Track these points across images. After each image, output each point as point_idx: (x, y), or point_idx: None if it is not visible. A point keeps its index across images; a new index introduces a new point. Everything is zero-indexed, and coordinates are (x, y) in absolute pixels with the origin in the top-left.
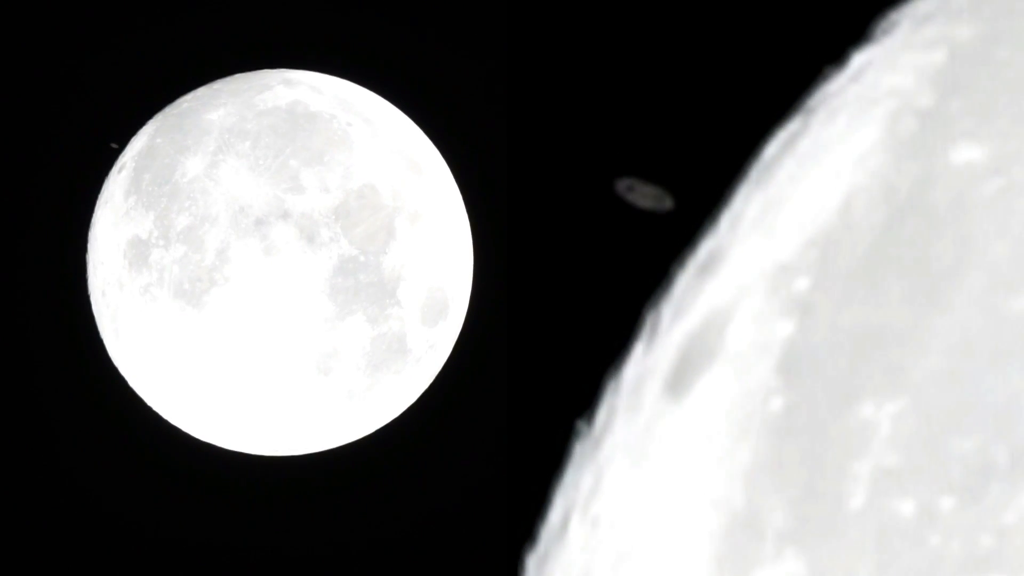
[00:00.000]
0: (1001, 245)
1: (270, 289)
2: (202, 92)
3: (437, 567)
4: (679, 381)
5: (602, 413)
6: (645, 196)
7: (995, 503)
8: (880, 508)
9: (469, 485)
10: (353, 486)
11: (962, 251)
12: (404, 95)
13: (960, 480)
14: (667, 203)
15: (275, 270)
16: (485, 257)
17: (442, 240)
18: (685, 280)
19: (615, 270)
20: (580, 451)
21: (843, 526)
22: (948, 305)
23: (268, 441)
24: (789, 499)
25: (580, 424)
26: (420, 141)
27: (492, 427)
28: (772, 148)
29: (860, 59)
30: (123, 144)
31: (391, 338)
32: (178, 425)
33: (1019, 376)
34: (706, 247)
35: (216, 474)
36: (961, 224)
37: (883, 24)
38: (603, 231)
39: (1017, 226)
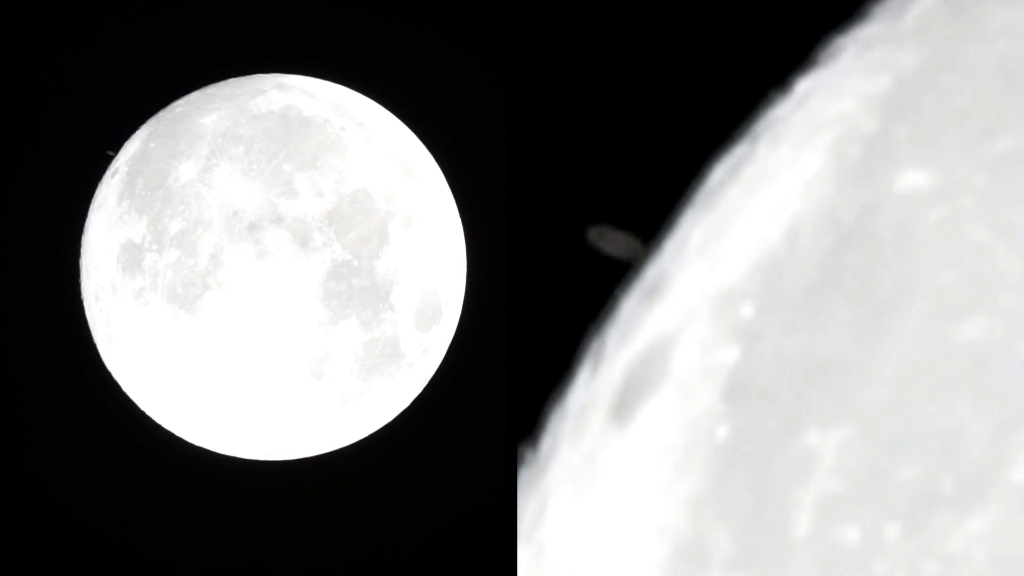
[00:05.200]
0: (946, 272)
1: (263, 293)
2: (195, 96)
3: (431, 571)
4: (624, 407)
5: (547, 439)
6: (617, 244)
7: (940, 531)
8: (825, 535)
9: (463, 489)
10: (346, 490)
11: (907, 278)
12: (397, 99)
13: (905, 508)
14: (640, 251)
15: (268, 274)
16: (479, 261)
17: (436, 244)
18: (630, 305)
19: (615, 273)
20: (525, 477)
21: (788, 553)
22: (893, 332)
23: (262, 445)
24: (734, 526)
25: (525, 450)
26: (413, 145)
27: (487, 431)
28: (717, 173)
29: (805, 84)
30: (118, 150)
31: (384, 342)
32: (171, 430)
33: (964, 404)
34: (651, 272)
35: (210, 478)
36: (906, 251)
37: (828, 49)
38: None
39: (962, 253)
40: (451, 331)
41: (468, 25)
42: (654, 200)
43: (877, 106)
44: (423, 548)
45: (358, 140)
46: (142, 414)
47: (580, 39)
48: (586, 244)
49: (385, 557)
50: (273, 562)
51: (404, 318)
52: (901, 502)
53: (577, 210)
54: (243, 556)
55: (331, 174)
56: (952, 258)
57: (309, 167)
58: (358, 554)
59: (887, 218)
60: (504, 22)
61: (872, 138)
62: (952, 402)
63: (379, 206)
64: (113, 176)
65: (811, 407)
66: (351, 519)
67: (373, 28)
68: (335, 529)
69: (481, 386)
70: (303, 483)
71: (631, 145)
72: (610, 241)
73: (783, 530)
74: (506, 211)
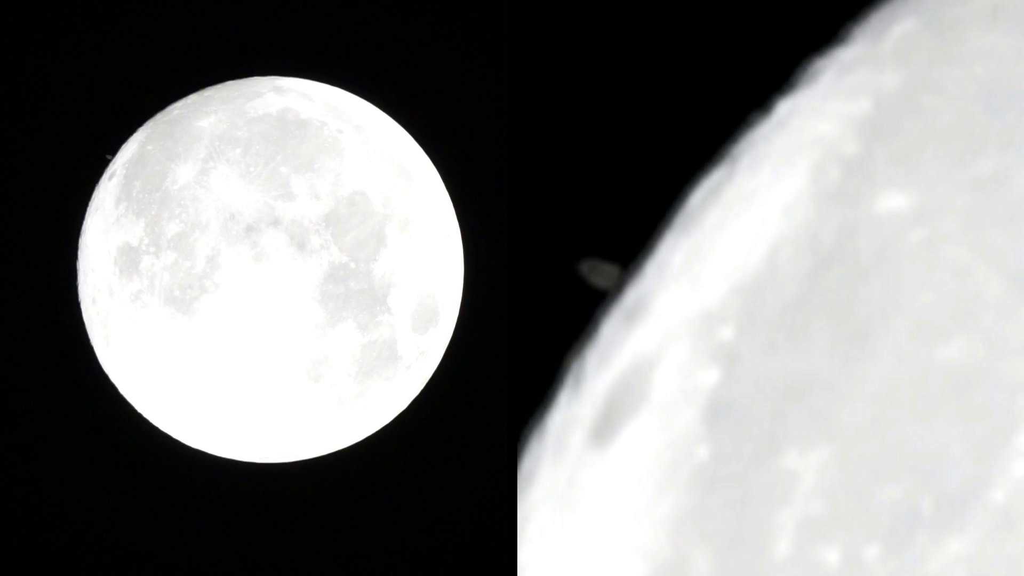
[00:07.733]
0: (926, 294)
1: (260, 296)
2: (193, 99)
3: (427, 574)
4: (604, 429)
5: (527, 461)
6: (607, 278)
7: (920, 552)
8: (805, 557)
9: (460, 491)
10: (343, 493)
11: (887, 300)
12: (395, 102)
13: (885, 528)
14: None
15: (265, 277)
16: (476, 264)
17: (433, 247)
18: (611, 328)
19: (597, 295)
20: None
21: (768, 575)
22: (873, 354)
23: (259, 448)
24: (714, 548)
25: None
26: (410, 148)
27: (484, 433)
28: (698, 196)
29: (785, 107)
30: (115, 153)
31: (382, 345)
32: (168, 432)
33: (944, 424)
34: (632, 294)
35: (207, 481)
36: (886, 273)
37: (808, 72)
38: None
39: (942, 275)
40: (448, 334)
41: (466, 27)
42: (634, 222)
43: (857, 128)
44: (419, 551)
45: (355, 143)
46: (139, 417)
47: (573, 55)
48: (569, 265)
49: (381, 560)
50: (269, 565)
51: (401, 321)
52: (881, 523)
53: (557, 231)
54: (240, 559)
55: (328, 177)
56: (932, 279)
57: (306, 170)
58: (354, 557)
59: (867, 240)
60: (502, 24)
61: (852, 160)
62: (932, 423)
63: (376, 209)
64: (110, 179)
65: (791, 428)
66: (348, 522)
67: (370, 31)
68: (331, 532)
69: (479, 388)
70: (300, 486)
71: (610, 166)
72: (601, 274)
73: (763, 551)
74: (504, 212)
